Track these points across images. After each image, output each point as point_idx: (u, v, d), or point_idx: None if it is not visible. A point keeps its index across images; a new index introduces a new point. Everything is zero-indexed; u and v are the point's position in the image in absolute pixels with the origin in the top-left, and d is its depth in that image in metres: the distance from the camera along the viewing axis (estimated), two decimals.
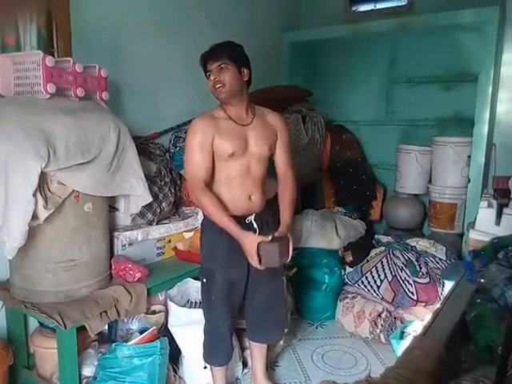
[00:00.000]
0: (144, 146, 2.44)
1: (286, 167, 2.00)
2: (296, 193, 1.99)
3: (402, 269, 2.68)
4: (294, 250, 1.85)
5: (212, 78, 1.79)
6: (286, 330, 2.36)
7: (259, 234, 1.92)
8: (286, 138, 1.99)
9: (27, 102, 1.75)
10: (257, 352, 2.16)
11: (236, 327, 2.19)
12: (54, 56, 1.97)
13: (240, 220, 1.88)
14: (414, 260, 2.74)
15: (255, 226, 1.93)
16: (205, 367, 2.12)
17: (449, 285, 2.34)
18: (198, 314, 2.07)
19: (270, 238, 1.76)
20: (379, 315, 2.65)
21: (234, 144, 1.82)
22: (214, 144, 1.81)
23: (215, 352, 2.01)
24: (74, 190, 1.76)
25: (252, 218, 1.93)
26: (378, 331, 2.64)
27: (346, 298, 2.83)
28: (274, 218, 2.02)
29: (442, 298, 2.43)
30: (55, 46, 2.15)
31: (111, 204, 2.11)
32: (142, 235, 2.21)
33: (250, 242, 1.76)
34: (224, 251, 1.91)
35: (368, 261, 2.83)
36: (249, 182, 1.90)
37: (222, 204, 1.83)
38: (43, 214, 1.66)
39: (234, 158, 1.84)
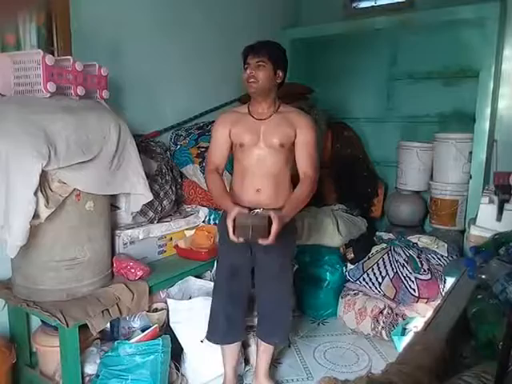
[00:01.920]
0: (145, 145, 2.45)
1: (305, 168, 1.94)
2: (309, 194, 1.93)
3: (403, 265, 2.68)
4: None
5: (248, 71, 1.87)
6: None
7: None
8: (307, 138, 1.93)
9: (27, 101, 1.75)
10: (262, 350, 2.17)
11: None
12: (53, 55, 1.97)
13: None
14: (415, 257, 2.74)
15: None
16: (201, 341, 2.13)
17: (450, 281, 2.35)
18: (198, 304, 2.10)
19: (247, 211, 1.79)
20: (381, 312, 2.65)
21: (245, 135, 1.92)
22: (231, 135, 1.95)
23: (211, 330, 2.08)
24: (75, 189, 1.77)
25: (259, 212, 1.89)
26: (379, 328, 2.64)
27: (348, 295, 2.83)
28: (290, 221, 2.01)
29: (443, 295, 2.43)
30: (55, 45, 2.15)
31: (112, 202, 2.11)
32: (144, 233, 2.22)
33: (231, 210, 1.77)
34: (227, 235, 1.95)
35: (369, 258, 2.83)
36: (259, 175, 1.93)
37: (222, 185, 1.95)
38: (44, 213, 1.66)
39: (246, 148, 1.93)
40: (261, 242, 1.73)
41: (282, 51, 1.94)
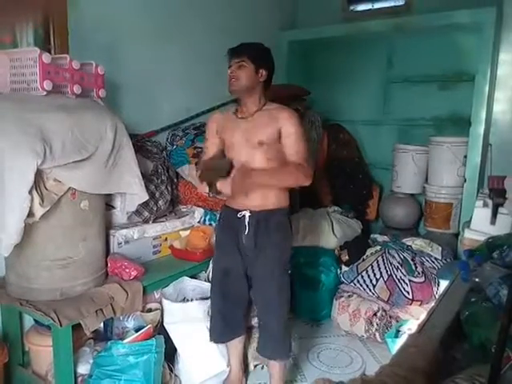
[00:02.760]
0: (141, 144, 2.44)
1: (294, 158, 1.89)
2: (293, 175, 1.89)
3: (397, 268, 2.69)
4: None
5: (229, 72, 1.93)
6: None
7: (250, 232, 1.95)
8: (290, 129, 1.89)
9: (23, 99, 1.74)
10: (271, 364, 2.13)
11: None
12: (50, 53, 1.96)
13: (234, 213, 1.99)
14: (409, 259, 2.74)
15: (246, 223, 1.95)
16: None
17: (444, 284, 2.36)
18: (193, 308, 2.10)
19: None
20: (375, 314, 2.66)
21: (229, 134, 1.97)
22: (218, 133, 2.03)
23: (210, 330, 2.10)
24: (70, 188, 1.76)
25: (246, 214, 1.95)
26: (373, 330, 2.65)
27: (342, 296, 2.84)
28: (282, 223, 2.00)
29: (436, 297, 2.44)
30: (52, 43, 2.14)
31: (107, 202, 2.11)
32: (139, 233, 2.21)
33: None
34: (220, 237, 2.08)
35: (364, 260, 2.83)
36: None
37: None
38: (39, 212, 1.65)
39: (231, 147, 1.97)
40: (219, 185, 1.86)
41: (264, 51, 1.97)
